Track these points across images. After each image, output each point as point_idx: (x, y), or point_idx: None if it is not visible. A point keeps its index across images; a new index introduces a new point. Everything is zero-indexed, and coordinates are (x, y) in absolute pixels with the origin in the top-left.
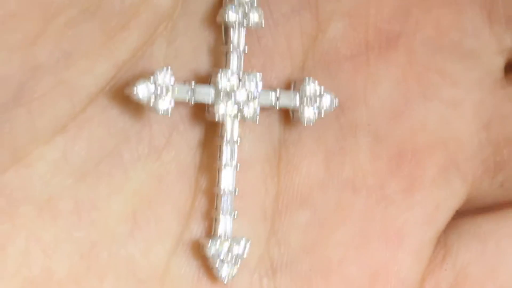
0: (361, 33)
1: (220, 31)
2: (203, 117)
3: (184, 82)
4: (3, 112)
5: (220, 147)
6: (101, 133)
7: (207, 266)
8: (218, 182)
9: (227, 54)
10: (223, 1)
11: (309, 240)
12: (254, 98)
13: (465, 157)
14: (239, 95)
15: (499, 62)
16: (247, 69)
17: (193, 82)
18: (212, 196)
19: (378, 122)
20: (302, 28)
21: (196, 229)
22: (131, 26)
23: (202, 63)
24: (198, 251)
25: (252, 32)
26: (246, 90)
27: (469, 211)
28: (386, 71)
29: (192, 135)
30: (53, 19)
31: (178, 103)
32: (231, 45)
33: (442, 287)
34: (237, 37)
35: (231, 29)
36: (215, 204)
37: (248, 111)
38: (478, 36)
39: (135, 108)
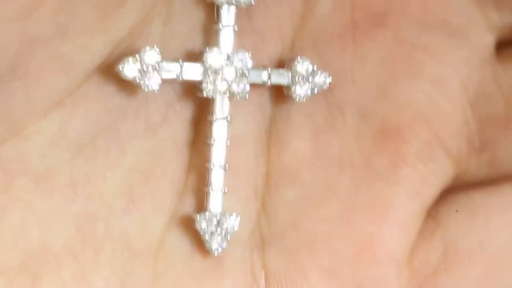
0: (348, 12)
1: (212, 11)
2: (197, 95)
3: (173, 60)
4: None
5: (211, 123)
6: (98, 109)
7: (200, 241)
8: (209, 158)
9: (217, 32)
10: None
11: (297, 215)
12: (243, 75)
13: (450, 134)
14: (227, 73)
15: (488, 40)
16: (238, 48)
17: (180, 60)
18: (205, 172)
19: (365, 100)
20: (291, 8)
21: (190, 204)
22: (128, 3)
23: (198, 43)
24: (191, 227)
25: (243, 12)
26: (235, 67)
27: (461, 188)
28: (373, 49)
29: (188, 112)
30: None
31: (173, 81)
32: (221, 23)
33: (430, 260)
34: (227, 15)
35: (221, 7)
36: (206, 180)
37: (237, 88)
38: (465, 14)
39: (132, 85)
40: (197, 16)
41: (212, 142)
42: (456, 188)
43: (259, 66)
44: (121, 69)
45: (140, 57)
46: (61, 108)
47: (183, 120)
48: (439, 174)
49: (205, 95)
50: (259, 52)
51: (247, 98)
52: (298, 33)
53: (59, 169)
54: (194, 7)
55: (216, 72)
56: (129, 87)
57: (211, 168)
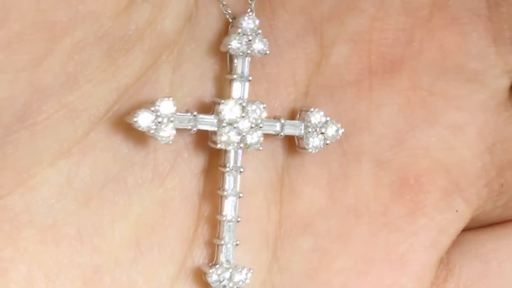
0: (364, 57)
1: (225, 58)
2: (206, 144)
3: (187, 111)
4: (7, 134)
5: (223, 175)
6: (105, 158)
7: None
8: (221, 210)
9: (231, 82)
10: (228, 30)
11: (312, 266)
12: (258, 127)
13: (469, 181)
14: (242, 125)
15: (505, 84)
16: (250, 97)
17: (195, 112)
18: (214, 223)
19: (381, 148)
20: (306, 54)
21: (199, 256)
22: (135, 50)
23: (208, 91)
24: (200, 278)
25: (256, 59)
26: (249, 119)
27: (471, 227)
28: (390, 96)
29: (196, 162)
30: (59, 41)
31: (182, 130)
32: (235, 73)
33: None
34: (241, 66)
35: (235, 57)
36: (217, 232)
37: (252, 140)
38: (483, 58)
39: (140, 134)
40: (207, 63)
41: (224, 194)
42: (467, 228)
43: (272, 115)
44: (135, 120)
45: (155, 108)
46: (68, 157)
47: (191, 168)
48: (456, 223)
49: (218, 147)
50: (272, 99)
51: (261, 149)
52: (313, 80)
53: (66, 220)
54: (205, 55)
55: (230, 124)
56: (137, 135)
57: (223, 220)
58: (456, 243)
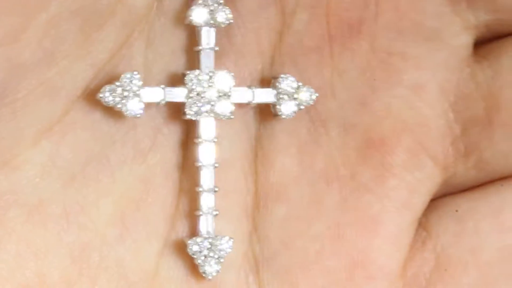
0: (324, 23)
1: (193, 33)
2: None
3: (155, 85)
4: None
5: (197, 146)
6: (86, 136)
7: (194, 266)
8: (198, 181)
9: (198, 53)
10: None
11: (287, 234)
12: (226, 96)
13: (434, 140)
14: (210, 94)
15: (465, 41)
16: (219, 68)
17: (162, 85)
18: (195, 195)
19: (346, 112)
20: (268, 23)
21: (182, 230)
22: (108, 25)
23: (182, 65)
24: (185, 252)
25: (222, 31)
26: (217, 88)
27: (449, 194)
28: (351, 60)
29: (176, 135)
30: (34, 16)
31: (159, 105)
32: (201, 45)
33: (423, 271)
34: (207, 37)
35: (200, 29)
36: (196, 204)
37: (221, 109)
38: (439, 16)
39: (118, 111)
40: (179, 38)
41: (200, 165)
42: (444, 194)
43: (242, 84)
44: (102, 96)
45: (120, 83)
46: (49, 136)
47: (171, 143)
48: (427, 183)
49: (188, 118)
50: (240, 70)
51: (232, 117)
52: (277, 49)
53: (51, 199)
54: (175, 29)
55: (198, 94)
56: (116, 113)
57: (201, 191)
58: (433, 207)
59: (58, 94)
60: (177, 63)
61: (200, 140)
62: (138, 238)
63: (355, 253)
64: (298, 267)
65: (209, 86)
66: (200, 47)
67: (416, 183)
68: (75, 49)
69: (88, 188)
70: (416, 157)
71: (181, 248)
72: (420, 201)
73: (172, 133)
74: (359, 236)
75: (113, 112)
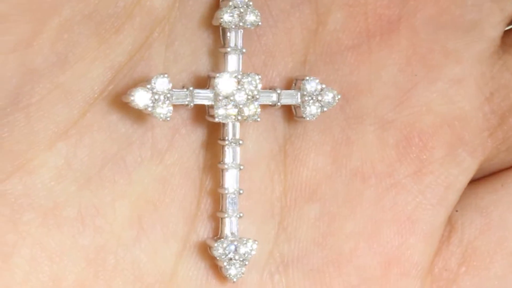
0: (361, 21)
1: (218, 32)
2: (204, 118)
3: (183, 86)
4: (1, 117)
5: (223, 148)
6: (103, 138)
7: (215, 267)
8: (222, 183)
9: (225, 55)
10: (219, 3)
11: (320, 233)
12: (254, 99)
13: (472, 133)
14: (238, 97)
15: (500, 31)
16: (248, 69)
17: (191, 88)
18: (217, 196)
19: (384, 109)
20: (302, 23)
21: (203, 230)
22: (125, 28)
23: (202, 65)
24: (206, 253)
25: (252, 31)
26: (245, 91)
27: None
28: (389, 56)
29: (195, 136)
30: (47, 21)
31: (178, 106)
32: (229, 46)
33: (451, 265)
34: (234, 39)
35: (228, 31)
36: (220, 205)
37: (249, 112)
38: (479, 8)
39: (136, 112)
40: (200, 38)
41: (225, 167)
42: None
43: (269, 86)
44: (132, 99)
45: (151, 86)
46: (65, 139)
47: (190, 144)
48: (462, 177)
49: (216, 120)
50: (269, 70)
51: (258, 120)
52: (311, 48)
53: (66, 202)
54: (197, 29)
55: (227, 97)
56: (133, 114)
57: (225, 193)
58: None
59: (74, 97)
60: (198, 63)
61: (225, 142)
62: (155, 239)
63: (390, 251)
64: (331, 266)
65: (238, 89)
66: (228, 49)
67: (452, 179)
68: (91, 52)
69: (104, 190)
70: (454, 152)
71: (201, 249)
72: (454, 197)
73: (190, 134)
74: (394, 234)
75: (130, 113)
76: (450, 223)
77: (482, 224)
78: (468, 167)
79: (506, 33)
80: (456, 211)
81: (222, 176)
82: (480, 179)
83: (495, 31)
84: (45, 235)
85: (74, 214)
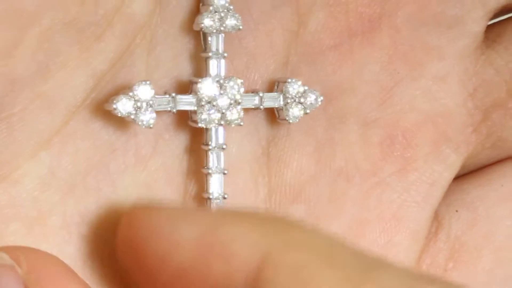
0: (343, 20)
1: (199, 36)
2: (187, 123)
3: (165, 92)
4: None
5: (206, 153)
6: (86, 146)
7: None
8: (207, 188)
9: (207, 60)
10: (199, 7)
11: None
12: (237, 103)
13: (456, 129)
14: (221, 102)
15: (483, 26)
16: (229, 72)
17: (173, 94)
18: (201, 202)
19: (367, 107)
20: (283, 24)
21: None
22: (106, 36)
23: (184, 70)
24: None
25: (233, 34)
26: (228, 96)
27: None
28: (371, 55)
29: (178, 142)
30: (27, 30)
31: (161, 112)
32: (210, 51)
33: (439, 261)
34: (216, 43)
35: (209, 35)
36: None
37: (232, 116)
38: (461, 3)
39: (119, 120)
40: (181, 43)
41: (209, 171)
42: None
43: (251, 88)
44: (114, 107)
45: (133, 93)
46: (48, 148)
47: (173, 149)
48: (447, 174)
49: (199, 126)
50: (251, 73)
51: (241, 124)
52: (292, 48)
53: (51, 211)
54: (178, 34)
55: (209, 102)
56: (116, 121)
57: (210, 198)
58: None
59: (57, 105)
60: (180, 68)
61: (209, 147)
62: None
63: (376, 250)
64: None
65: (220, 94)
66: (209, 53)
67: (437, 175)
68: (73, 60)
69: (89, 198)
70: (439, 149)
71: None
72: (439, 193)
73: (173, 139)
74: (380, 232)
75: (113, 121)
76: (437, 219)
77: (468, 219)
78: (453, 164)
79: (489, 27)
80: (456, 210)
81: (206, 181)
82: (466, 175)
83: (477, 26)
84: (31, 244)
85: (60, 222)
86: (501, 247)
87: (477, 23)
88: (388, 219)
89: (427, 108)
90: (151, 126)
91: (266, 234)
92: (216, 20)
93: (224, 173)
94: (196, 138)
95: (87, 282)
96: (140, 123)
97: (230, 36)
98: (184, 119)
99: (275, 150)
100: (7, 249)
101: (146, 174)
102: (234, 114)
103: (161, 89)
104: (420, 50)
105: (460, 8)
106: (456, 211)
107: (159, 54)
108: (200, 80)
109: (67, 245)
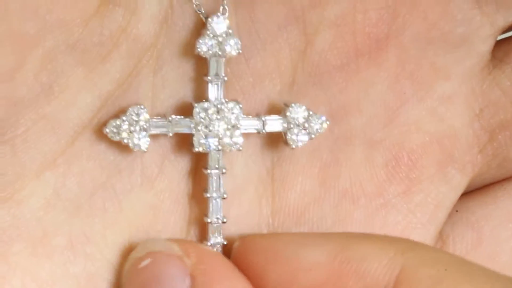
0: (350, 40)
1: (203, 58)
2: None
3: (164, 115)
4: None
5: (207, 177)
6: (92, 166)
7: None
8: (206, 212)
9: (207, 84)
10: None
11: None
12: (234, 128)
13: (462, 150)
14: (218, 126)
15: (490, 45)
16: (235, 92)
17: (172, 116)
18: (204, 223)
19: (373, 128)
20: (289, 44)
21: None
22: (112, 57)
23: (190, 91)
24: None
25: (239, 54)
26: (225, 120)
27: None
28: (378, 75)
29: (184, 163)
30: (29, 52)
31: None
32: (209, 75)
33: None
34: (215, 67)
35: (209, 59)
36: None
37: (229, 141)
38: (469, 22)
39: None
40: (187, 64)
41: (208, 196)
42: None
43: (256, 110)
44: (107, 131)
45: (126, 117)
46: (53, 168)
47: (179, 170)
48: (452, 194)
49: (195, 151)
50: (257, 93)
51: (241, 149)
52: (299, 68)
53: (56, 231)
54: (184, 56)
55: (206, 126)
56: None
57: (209, 222)
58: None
59: (62, 126)
60: (186, 89)
61: (208, 171)
62: None
63: None
64: None
65: (217, 119)
66: (209, 77)
67: (442, 197)
68: (78, 81)
69: (95, 218)
70: (444, 170)
71: None
72: (444, 214)
73: (179, 160)
74: None
75: (118, 141)
76: (442, 239)
77: (473, 239)
78: (458, 185)
79: (497, 44)
80: (456, 211)
81: (207, 204)
82: (471, 192)
83: (485, 45)
84: (35, 264)
85: (64, 242)
86: (505, 268)
87: (485, 42)
88: None
89: (433, 129)
90: (145, 150)
91: (400, 251)
92: (214, 45)
93: (224, 197)
94: (200, 160)
95: None
96: (133, 147)
97: (237, 56)
98: (189, 140)
99: (279, 172)
100: (178, 241)
101: (152, 195)
102: (231, 139)
103: (166, 110)
104: (427, 70)
105: (467, 27)
106: (456, 211)
107: (165, 75)
108: (196, 104)
109: (72, 265)
